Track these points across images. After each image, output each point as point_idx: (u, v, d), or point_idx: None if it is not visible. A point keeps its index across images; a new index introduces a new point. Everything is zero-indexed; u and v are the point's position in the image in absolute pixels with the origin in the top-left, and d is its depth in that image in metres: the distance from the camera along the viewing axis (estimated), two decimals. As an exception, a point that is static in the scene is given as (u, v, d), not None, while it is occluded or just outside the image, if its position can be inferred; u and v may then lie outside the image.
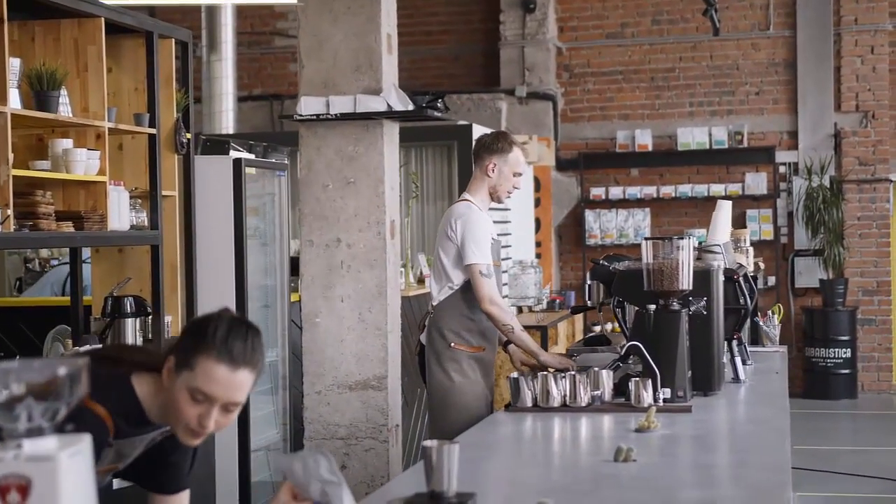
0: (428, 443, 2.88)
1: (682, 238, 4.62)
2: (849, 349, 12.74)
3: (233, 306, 6.51)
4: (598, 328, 10.22)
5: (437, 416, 5.52)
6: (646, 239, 4.65)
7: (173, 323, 6.12)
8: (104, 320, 5.71)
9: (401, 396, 6.09)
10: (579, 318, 11.52)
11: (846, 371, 12.75)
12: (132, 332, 5.68)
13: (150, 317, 5.85)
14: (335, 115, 5.78)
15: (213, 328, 2.74)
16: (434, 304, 5.55)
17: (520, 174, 5.54)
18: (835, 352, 12.71)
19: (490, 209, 5.54)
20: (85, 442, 1.88)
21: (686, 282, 4.57)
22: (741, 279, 5.22)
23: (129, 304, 5.70)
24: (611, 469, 3.39)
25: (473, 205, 5.46)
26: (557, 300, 11.30)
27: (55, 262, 8.58)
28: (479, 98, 13.21)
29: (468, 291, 5.36)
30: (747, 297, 5.21)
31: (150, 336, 5.87)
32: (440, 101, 6.04)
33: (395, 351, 5.94)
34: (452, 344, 5.43)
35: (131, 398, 2.81)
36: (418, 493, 2.93)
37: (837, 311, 12.76)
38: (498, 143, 5.52)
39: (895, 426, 11.67)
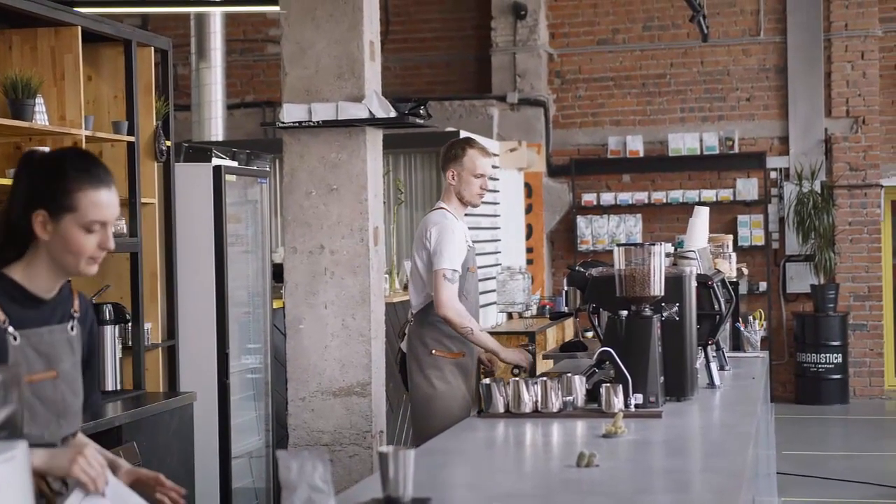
0: (383, 449, 2.91)
1: (654, 244, 4.62)
2: (840, 354, 12.74)
3: (213, 313, 6.54)
4: (590, 334, 10.22)
5: (420, 423, 5.55)
6: (618, 245, 4.66)
7: (153, 330, 6.14)
8: (84, 327, 5.72)
9: (385, 403, 6.10)
10: (570, 323, 11.52)
11: (838, 376, 12.76)
12: (111, 339, 5.69)
13: (129, 324, 5.87)
14: (317, 122, 5.79)
15: (72, 166, 2.85)
16: (414, 311, 5.58)
17: (481, 175, 5.56)
18: (826, 357, 12.71)
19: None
20: (20, 448, 1.90)
21: (658, 288, 4.57)
22: (716, 285, 5.22)
23: (108, 312, 5.70)
24: (572, 474, 3.40)
25: (448, 213, 5.50)
26: (548, 306, 11.30)
27: None
28: (471, 104, 13.24)
29: (447, 299, 5.39)
30: (722, 302, 5.21)
31: (129, 343, 5.88)
32: (422, 108, 6.05)
33: (379, 357, 5.95)
34: (434, 351, 5.47)
35: (9, 283, 2.87)
36: (374, 499, 2.96)
37: (829, 316, 12.76)
38: (451, 150, 5.59)
39: (886, 431, 11.67)
